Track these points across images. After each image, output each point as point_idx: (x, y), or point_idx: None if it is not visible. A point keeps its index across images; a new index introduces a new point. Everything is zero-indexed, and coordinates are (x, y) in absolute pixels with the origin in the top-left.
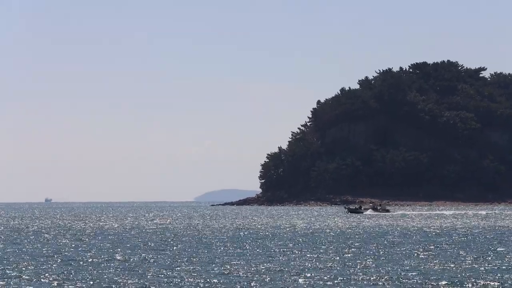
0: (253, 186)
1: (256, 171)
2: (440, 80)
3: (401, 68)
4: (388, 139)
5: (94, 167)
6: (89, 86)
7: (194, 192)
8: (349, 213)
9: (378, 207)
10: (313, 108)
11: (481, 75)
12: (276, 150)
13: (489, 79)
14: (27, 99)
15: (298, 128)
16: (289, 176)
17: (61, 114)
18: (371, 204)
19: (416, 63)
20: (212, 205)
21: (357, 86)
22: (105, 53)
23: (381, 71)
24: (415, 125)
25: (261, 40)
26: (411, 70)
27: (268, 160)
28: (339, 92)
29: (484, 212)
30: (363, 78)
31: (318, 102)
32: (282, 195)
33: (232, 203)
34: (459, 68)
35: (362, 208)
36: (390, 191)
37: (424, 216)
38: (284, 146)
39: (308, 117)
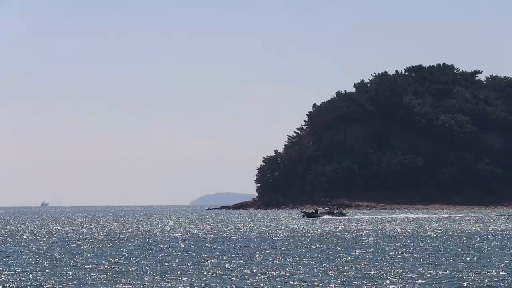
0: (250, 189)
1: (252, 174)
2: (435, 83)
3: (396, 71)
4: (384, 142)
5: (91, 172)
6: (88, 87)
7: (190, 196)
8: (305, 217)
9: (335, 211)
10: (308, 112)
11: (476, 78)
12: (272, 153)
13: (484, 82)
14: (26, 100)
15: (294, 132)
16: (285, 179)
17: (58, 115)
18: (327, 208)
19: (412, 66)
20: (208, 208)
21: (353, 89)
22: (105, 52)
23: (377, 74)
24: (411, 128)
25: (258, 42)
26: (406, 73)
27: (264, 164)
28: (335, 95)
29: (445, 215)
30: (359, 81)
31: (314, 105)
32: (279, 198)
33: (228, 207)
34: (455, 71)
35: (318, 212)
36: (386, 194)
37: (374, 220)
38: (280, 149)
39: (304, 121)
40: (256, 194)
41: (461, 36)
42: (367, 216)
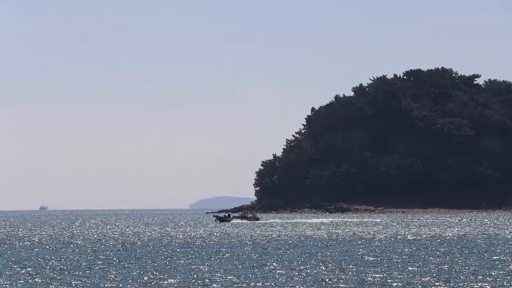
0: (249, 193)
1: (251, 178)
2: (434, 87)
3: (395, 75)
4: (382, 146)
5: (90, 175)
6: (86, 90)
7: (189, 200)
8: (218, 221)
9: (249, 215)
10: (307, 116)
11: (475, 82)
12: (271, 157)
13: (483, 86)
14: (24, 103)
15: (293, 136)
16: (284, 183)
17: (58, 118)
18: (240, 213)
19: (410, 70)
20: (206, 212)
21: (352, 93)
22: (106, 53)
23: (375, 78)
24: (409, 132)
25: (257, 45)
26: (405, 77)
27: (262, 168)
28: (333, 99)
29: (378, 220)
30: (357, 85)
31: (313, 109)
32: (277, 202)
33: (227, 211)
34: (453, 75)
35: (231, 217)
36: (385, 198)
37: (281, 225)
38: (279, 153)
39: (303, 124)
40: (255, 197)
41: (459, 39)
42: (281, 221)
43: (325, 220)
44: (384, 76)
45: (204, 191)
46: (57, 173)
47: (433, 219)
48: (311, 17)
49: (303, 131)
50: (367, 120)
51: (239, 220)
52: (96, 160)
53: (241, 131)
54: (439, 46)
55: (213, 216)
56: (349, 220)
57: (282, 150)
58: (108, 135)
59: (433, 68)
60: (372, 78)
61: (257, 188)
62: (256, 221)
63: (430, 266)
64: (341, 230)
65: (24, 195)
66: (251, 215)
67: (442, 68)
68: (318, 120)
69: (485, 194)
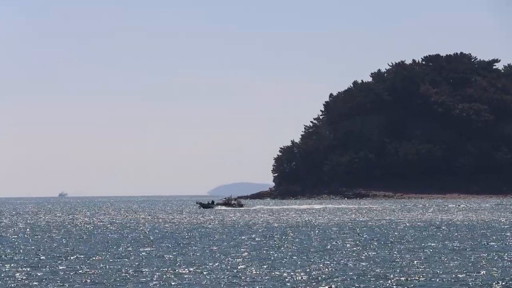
0: (267, 179)
1: (269, 164)
2: (453, 72)
3: (413, 60)
4: (401, 131)
5: (110, 163)
6: (104, 77)
7: (207, 186)
8: (201, 208)
9: (233, 202)
10: (325, 101)
11: (494, 67)
12: (289, 143)
13: (502, 71)
14: (39, 94)
15: (311, 122)
16: (302, 169)
17: (82, 106)
18: (224, 199)
19: (429, 55)
20: (196, 202)
21: (370, 79)
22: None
23: (394, 63)
24: (428, 118)
25: (272, 35)
26: (424, 62)
27: (281, 154)
28: (352, 85)
29: (351, 206)
30: (376, 71)
31: (331, 95)
32: (295, 188)
33: (245, 197)
34: (472, 60)
35: (215, 203)
36: (403, 183)
37: (267, 211)
38: (297, 139)
39: (321, 111)
40: (273, 184)
41: (478, 24)
42: (267, 207)
43: (316, 207)
44: (402, 62)
45: (222, 178)
46: (77, 161)
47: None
48: (329, 2)
49: (321, 117)
50: (386, 105)
51: (223, 207)
52: (115, 148)
53: (259, 118)
54: (458, 31)
55: (197, 203)
56: (354, 206)
57: (300, 137)
58: (128, 124)
59: (452, 53)
60: (391, 64)
61: (275, 174)
62: (241, 208)
63: None
64: (320, 217)
65: (42, 182)
66: (235, 202)
67: (461, 53)
68: (336, 106)
69: (504, 179)
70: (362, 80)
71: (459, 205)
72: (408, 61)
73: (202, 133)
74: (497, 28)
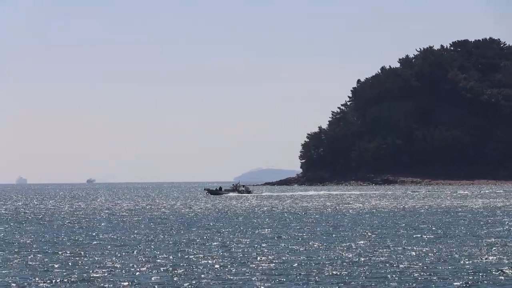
0: (294, 166)
1: (297, 151)
2: (482, 58)
3: (442, 46)
4: (429, 117)
5: (139, 149)
6: (132, 62)
7: (234, 172)
8: (209, 194)
9: (240, 188)
10: (353, 87)
11: None
12: (317, 129)
13: None
14: (59, 83)
15: (338, 108)
16: (330, 155)
17: (111, 94)
18: (232, 185)
19: (458, 40)
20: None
21: (398, 65)
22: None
23: (422, 49)
24: (456, 104)
25: (302, 22)
26: (452, 48)
27: (308, 140)
28: (380, 71)
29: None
30: (404, 57)
31: (358, 81)
32: (323, 174)
33: (272, 183)
34: (501, 45)
35: (223, 190)
36: (431, 170)
37: (277, 197)
38: (325, 125)
39: (349, 97)
40: (300, 170)
41: (508, 9)
42: (275, 194)
43: (321, 193)
44: (430, 47)
45: (249, 164)
46: (107, 147)
47: None
48: None
49: (349, 103)
50: (414, 91)
51: (231, 193)
52: (143, 135)
53: (287, 104)
54: (487, 16)
55: (205, 189)
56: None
57: (328, 123)
58: (155, 112)
59: (480, 39)
60: (419, 49)
61: (303, 161)
62: (248, 194)
63: None
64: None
65: (70, 169)
66: (243, 188)
67: (490, 38)
68: (364, 92)
69: None
70: (390, 66)
71: None
72: (436, 47)
73: (229, 119)
74: None
